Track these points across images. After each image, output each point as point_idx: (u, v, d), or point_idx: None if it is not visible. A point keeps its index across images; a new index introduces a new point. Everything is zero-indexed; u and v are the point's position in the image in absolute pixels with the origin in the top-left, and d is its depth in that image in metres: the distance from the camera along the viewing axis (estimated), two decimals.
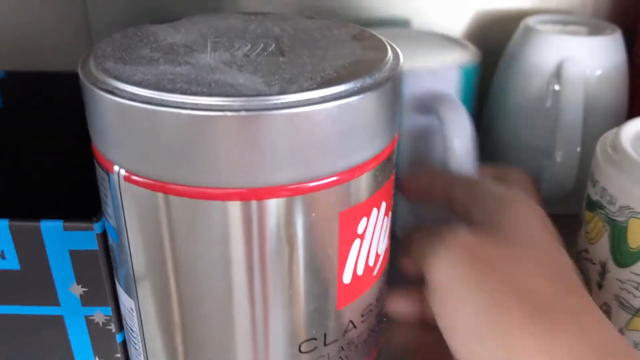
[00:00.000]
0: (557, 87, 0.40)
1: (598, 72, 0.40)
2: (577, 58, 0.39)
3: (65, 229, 0.22)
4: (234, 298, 0.20)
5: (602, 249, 0.30)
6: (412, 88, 0.32)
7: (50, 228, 0.22)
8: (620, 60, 0.41)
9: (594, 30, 0.42)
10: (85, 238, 0.22)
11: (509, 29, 0.45)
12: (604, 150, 0.31)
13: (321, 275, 0.20)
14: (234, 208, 0.18)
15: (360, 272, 0.21)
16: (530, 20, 0.43)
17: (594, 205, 0.30)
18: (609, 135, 0.33)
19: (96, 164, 0.20)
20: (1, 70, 0.33)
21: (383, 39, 0.22)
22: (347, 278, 0.21)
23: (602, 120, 0.40)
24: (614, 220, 0.29)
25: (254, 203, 0.18)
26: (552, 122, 0.40)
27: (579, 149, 0.39)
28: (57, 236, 0.22)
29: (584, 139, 0.39)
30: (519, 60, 0.42)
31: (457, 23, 0.49)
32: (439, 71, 0.34)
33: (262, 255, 0.19)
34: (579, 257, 0.32)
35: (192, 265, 0.20)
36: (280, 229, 0.19)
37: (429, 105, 0.32)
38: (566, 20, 0.45)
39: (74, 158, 0.31)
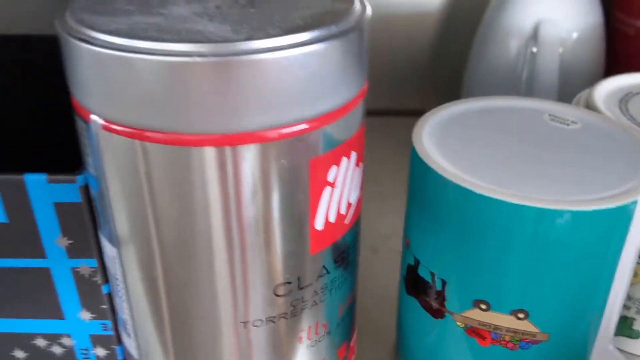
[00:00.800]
0: (534, 49, 0.41)
1: (575, 34, 0.41)
2: (553, 19, 0.40)
3: (49, 181, 0.23)
4: (212, 242, 0.21)
5: None
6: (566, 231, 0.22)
7: (34, 181, 0.23)
8: (597, 22, 0.42)
9: None
10: (69, 190, 0.23)
11: None
12: None
13: (294, 220, 0.21)
14: (209, 154, 0.19)
15: (332, 219, 0.22)
16: None
17: None
18: (582, 95, 0.34)
19: (75, 115, 0.21)
20: None
21: None
22: (319, 224, 0.22)
23: (578, 82, 0.41)
24: None
25: (227, 149, 0.19)
26: (530, 84, 0.41)
27: None
28: (41, 189, 0.23)
29: (561, 99, 0.40)
30: (497, 23, 0.42)
31: None
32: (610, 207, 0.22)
33: (237, 199, 0.20)
34: None
35: (171, 210, 0.20)
36: (254, 175, 0.20)
37: None
38: None
39: (58, 117, 0.31)
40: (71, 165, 0.24)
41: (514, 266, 0.23)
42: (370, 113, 0.27)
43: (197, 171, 0.20)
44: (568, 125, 0.26)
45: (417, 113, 0.28)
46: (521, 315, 0.24)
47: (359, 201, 0.24)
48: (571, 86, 0.41)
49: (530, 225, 0.22)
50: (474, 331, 0.25)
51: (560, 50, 0.40)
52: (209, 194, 0.20)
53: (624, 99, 0.33)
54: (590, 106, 0.31)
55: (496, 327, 0.24)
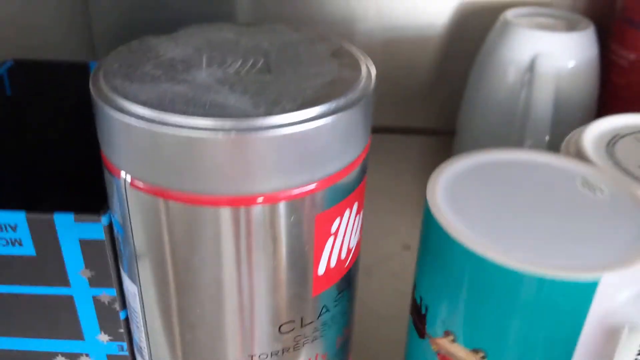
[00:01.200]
0: (530, 81, 0.43)
1: (570, 65, 0.43)
2: (549, 53, 0.42)
3: (76, 220, 0.25)
4: (224, 287, 0.23)
5: None
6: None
7: (62, 219, 0.25)
8: (593, 55, 0.44)
9: (570, 25, 0.45)
10: (94, 229, 0.25)
11: (492, 21, 0.47)
12: (567, 153, 0.33)
13: (299, 268, 0.23)
14: (225, 213, 0.21)
15: (333, 264, 0.24)
16: (508, 14, 0.45)
17: None
18: (573, 136, 0.35)
19: (104, 169, 0.23)
20: (9, 59, 0.35)
21: (359, 54, 0.25)
22: (321, 270, 0.24)
23: (572, 114, 0.43)
24: None
25: (242, 209, 0.21)
26: (525, 115, 0.42)
27: (547, 138, 0.42)
28: (68, 227, 0.25)
29: (554, 131, 0.42)
30: (495, 54, 0.44)
31: (439, 14, 0.51)
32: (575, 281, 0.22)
33: (249, 251, 0.22)
34: None
35: (188, 258, 0.22)
36: (265, 230, 0.22)
37: None
38: (545, 13, 0.47)
39: (80, 144, 0.33)
40: (90, 195, 0.26)
41: (479, 311, 0.25)
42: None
43: (213, 227, 0.22)
44: (595, 193, 0.26)
45: (418, 132, 0.29)
46: (480, 354, 0.26)
47: (358, 244, 0.27)
48: (566, 117, 0.43)
49: (500, 284, 0.23)
50: (443, 357, 0.27)
51: (556, 82, 0.42)
52: (223, 247, 0.22)
53: (612, 141, 0.34)
54: (579, 149, 0.33)
55: (460, 359, 0.27)
